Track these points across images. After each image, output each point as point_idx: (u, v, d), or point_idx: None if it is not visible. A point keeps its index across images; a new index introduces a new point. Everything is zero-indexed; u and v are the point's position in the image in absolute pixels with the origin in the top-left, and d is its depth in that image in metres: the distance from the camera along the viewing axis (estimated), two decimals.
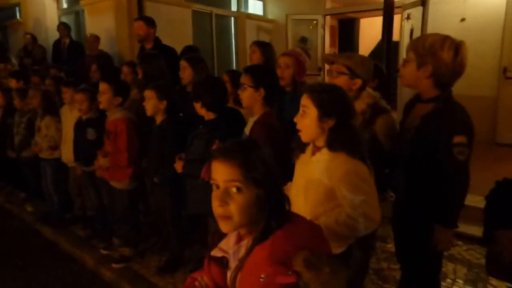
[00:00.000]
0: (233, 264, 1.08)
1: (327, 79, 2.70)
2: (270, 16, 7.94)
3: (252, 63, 3.21)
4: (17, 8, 8.36)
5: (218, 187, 1.04)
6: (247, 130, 2.28)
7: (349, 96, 1.64)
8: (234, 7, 7.55)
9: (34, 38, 6.37)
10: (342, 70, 2.10)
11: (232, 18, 7.47)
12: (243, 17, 7.45)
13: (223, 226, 1.04)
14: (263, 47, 3.21)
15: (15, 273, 3.23)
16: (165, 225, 3.11)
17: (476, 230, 2.93)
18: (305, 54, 2.93)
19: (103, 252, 3.35)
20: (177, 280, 2.94)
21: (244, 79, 2.21)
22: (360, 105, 2.05)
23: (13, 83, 4.62)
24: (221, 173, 1.02)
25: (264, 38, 7.56)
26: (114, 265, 3.14)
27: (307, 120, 1.59)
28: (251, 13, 7.80)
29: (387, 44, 4.04)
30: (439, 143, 1.75)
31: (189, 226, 3.07)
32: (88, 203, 3.73)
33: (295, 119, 1.64)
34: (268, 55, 3.15)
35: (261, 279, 0.93)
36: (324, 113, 1.54)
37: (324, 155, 1.59)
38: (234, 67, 7.44)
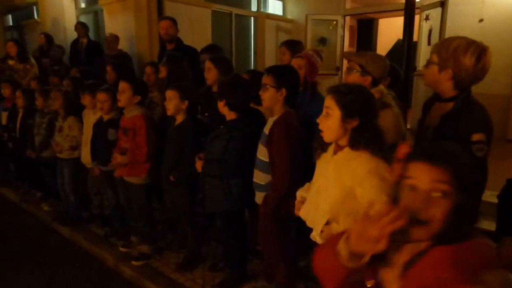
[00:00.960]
0: (397, 258, 1.01)
1: (344, 77, 2.77)
2: (289, 16, 7.88)
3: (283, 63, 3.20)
4: (34, 8, 8.42)
5: (415, 188, 0.97)
6: (266, 130, 2.29)
7: (373, 96, 1.65)
8: (254, 7, 7.51)
9: (49, 38, 6.32)
10: (354, 67, 2.17)
11: (252, 18, 7.42)
12: (263, 17, 7.39)
13: (418, 232, 0.94)
14: (293, 46, 3.21)
15: (37, 270, 3.27)
16: (181, 223, 3.16)
17: (486, 224, 2.95)
18: (317, 55, 2.96)
19: (122, 249, 3.40)
20: (196, 276, 2.98)
21: (266, 79, 2.22)
22: None
23: (34, 84, 4.62)
24: (428, 175, 0.95)
25: (283, 38, 7.50)
26: (133, 263, 3.18)
27: (330, 121, 1.59)
28: (271, 13, 7.74)
29: (408, 44, 4.05)
30: (458, 142, 1.72)
31: (205, 223, 3.12)
32: (106, 202, 3.75)
33: (318, 120, 1.65)
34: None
35: (439, 279, 0.87)
36: (347, 114, 1.55)
37: (346, 154, 1.60)
38: (252, 66, 7.39)
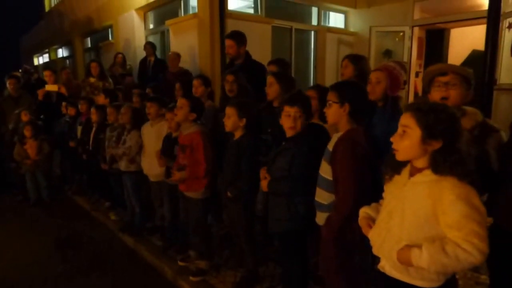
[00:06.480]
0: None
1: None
2: (352, 29, 7.67)
3: (344, 78, 3.09)
4: (109, 30, 9.18)
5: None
6: (330, 146, 2.22)
7: (458, 116, 1.50)
8: (314, 21, 7.42)
9: (124, 58, 6.93)
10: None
11: (312, 32, 7.33)
12: (324, 30, 7.27)
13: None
14: (357, 60, 3.08)
15: (103, 277, 3.44)
16: (239, 240, 3.11)
17: None
18: (400, 67, 2.73)
19: (180, 263, 3.45)
20: None
21: (330, 96, 2.20)
22: (468, 122, 1.96)
23: (101, 99, 4.94)
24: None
25: (345, 51, 7.32)
26: (191, 278, 3.20)
27: (407, 141, 1.49)
28: (332, 26, 7.60)
29: (491, 55, 3.70)
30: None
31: (263, 241, 3.04)
32: (166, 214, 3.82)
33: (392, 139, 1.55)
34: (361, 69, 3.01)
35: None
36: (429, 134, 1.44)
37: (426, 176, 1.48)
38: (312, 81, 7.25)
